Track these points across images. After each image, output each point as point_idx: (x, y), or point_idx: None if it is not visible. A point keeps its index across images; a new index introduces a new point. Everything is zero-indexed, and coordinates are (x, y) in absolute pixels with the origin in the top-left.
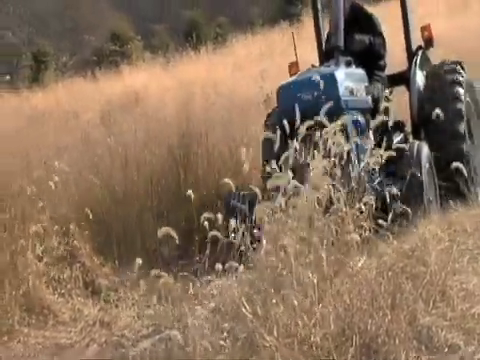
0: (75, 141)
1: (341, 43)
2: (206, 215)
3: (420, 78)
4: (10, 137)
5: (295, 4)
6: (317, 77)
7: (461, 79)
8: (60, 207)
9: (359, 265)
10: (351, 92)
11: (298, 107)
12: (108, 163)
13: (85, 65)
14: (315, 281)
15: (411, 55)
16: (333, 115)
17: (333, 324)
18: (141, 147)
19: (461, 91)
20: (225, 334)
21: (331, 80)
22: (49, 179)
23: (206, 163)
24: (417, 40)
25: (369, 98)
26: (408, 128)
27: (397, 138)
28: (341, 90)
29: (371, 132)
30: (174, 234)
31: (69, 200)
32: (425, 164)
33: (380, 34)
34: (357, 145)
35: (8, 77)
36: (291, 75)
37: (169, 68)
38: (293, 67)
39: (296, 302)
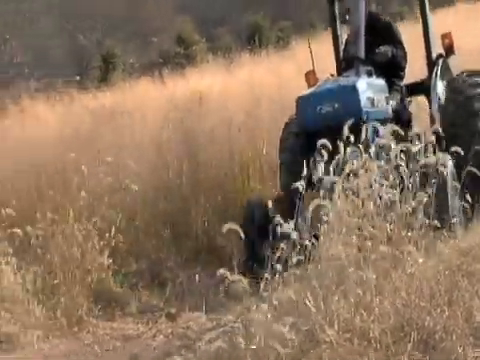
0: (143, 140)
1: (362, 53)
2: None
3: (441, 88)
4: (83, 135)
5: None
6: (338, 88)
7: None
8: (128, 203)
9: (420, 262)
10: (372, 103)
11: (318, 120)
12: (176, 162)
13: (151, 67)
14: (374, 277)
15: (431, 64)
16: (354, 127)
17: (392, 319)
18: (207, 148)
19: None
20: (287, 328)
21: (352, 91)
22: (118, 177)
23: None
24: (437, 48)
25: (389, 108)
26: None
27: (416, 148)
28: (362, 101)
29: (392, 144)
30: (238, 229)
31: (137, 197)
32: (449, 179)
33: (401, 44)
34: (378, 156)
35: (78, 77)
36: (309, 84)
37: (232, 70)
38: (310, 76)
39: (356, 298)
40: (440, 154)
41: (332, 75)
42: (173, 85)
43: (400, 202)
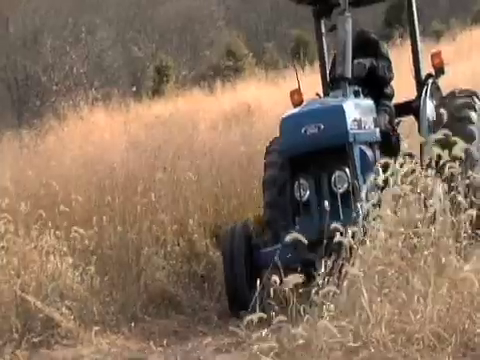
0: (193, 147)
1: (349, 73)
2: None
3: (430, 109)
4: (139, 143)
5: (395, 27)
6: (324, 109)
7: (474, 115)
8: (180, 206)
9: (462, 268)
10: (359, 125)
11: (303, 141)
12: (227, 167)
13: (202, 78)
14: (420, 282)
15: (420, 83)
16: (340, 149)
17: (434, 323)
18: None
19: (475, 130)
20: (335, 329)
21: (339, 112)
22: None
23: None
24: (427, 67)
25: (377, 130)
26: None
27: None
28: (349, 123)
29: (379, 166)
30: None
31: (189, 201)
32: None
33: (384, 56)
34: (365, 181)
35: (134, 88)
36: (293, 104)
37: (278, 82)
38: (295, 95)
39: (401, 301)
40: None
41: (318, 95)
42: (223, 96)
43: (447, 213)
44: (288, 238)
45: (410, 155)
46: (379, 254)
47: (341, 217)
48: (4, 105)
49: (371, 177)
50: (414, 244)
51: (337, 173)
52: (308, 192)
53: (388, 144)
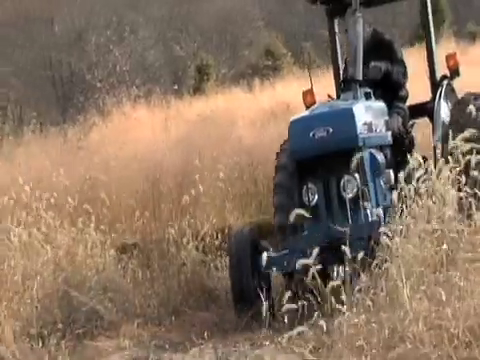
0: (232, 144)
1: (359, 74)
2: None
3: (445, 111)
4: (180, 139)
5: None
6: (333, 112)
7: None
8: (218, 202)
9: None
10: (369, 128)
11: (311, 145)
12: (265, 164)
13: (241, 77)
14: (457, 278)
15: (435, 85)
16: (349, 153)
17: (471, 318)
18: None
19: None
20: (373, 324)
21: (348, 116)
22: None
23: None
24: (442, 69)
25: (389, 133)
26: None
27: (418, 174)
28: (359, 126)
29: (391, 171)
30: None
31: (228, 197)
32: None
33: (400, 61)
34: (375, 185)
35: (176, 86)
36: (306, 104)
37: (315, 82)
38: (308, 95)
39: (439, 297)
40: None
41: (330, 96)
42: (261, 94)
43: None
44: (295, 244)
45: (424, 157)
46: (417, 252)
47: (350, 222)
48: (49, 102)
49: (381, 181)
50: (450, 241)
51: (346, 177)
52: (316, 196)
53: (401, 147)
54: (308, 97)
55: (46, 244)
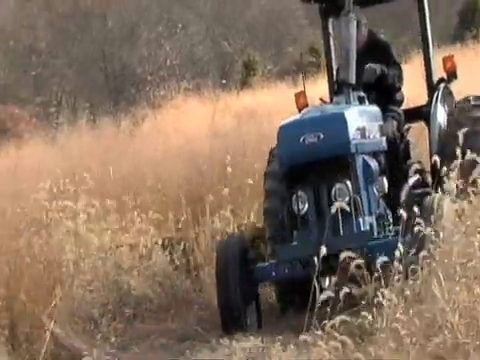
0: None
1: (352, 78)
2: None
3: (442, 114)
4: (227, 131)
5: (470, 30)
6: (324, 117)
7: None
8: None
9: None
10: (362, 133)
11: (301, 152)
12: None
13: (286, 73)
14: None
15: (432, 88)
16: (341, 160)
17: None
18: None
19: None
20: (413, 315)
21: (340, 121)
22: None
23: None
24: (438, 72)
25: (383, 138)
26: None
27: (413, 180)
28: (351, 132)
29: (385, 178)
30: None
31: None
32: (446, 223)
33: (396, 64)
34: (367, 192)
35: (224, 81)
36: (298, 106)
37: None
38: (300, 98)
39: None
40: (436, 194)
41: (322, 99)
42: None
43: None
44: (284, 254)
45: (419, 163)
46: (458, 247)
47: (341, 232)
48: (102, 94)
49: (374, 189)
50: None
51: (337, 186)
52: (306, 205)
53: (395, 152)
54: (301, 99)
55: (96, 231)
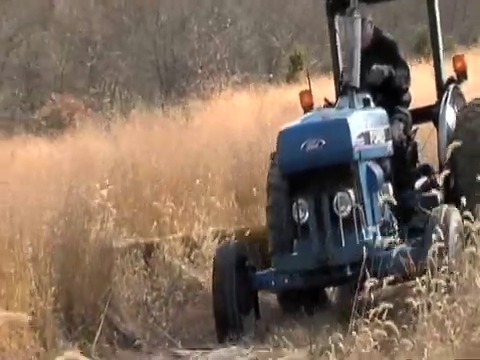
0: None
1: (356, 80)
2: None
3: (451, 116)
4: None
5: None
6: (325, 122)
7: None
8: None
9: None
10: (366, 139)
11: (302, 159)
12: None
13: (330, 68)
14: None
15: (441, 88)
16: (344, 168)
17: None
18: None
19: None
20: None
21: (342, 127)
22: None
23: None
24: (448, 72)
25: (389, 143)
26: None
27: (420, 183)
28: (354, 139)
29: (390, 184)
30: None
31: None
32: (454, 235)
33: (402, 64)
34: (371, 201)
35: (271, 75)
36: (303, 106)
37: None
38: (305, 97)
39: None
40: (445, 206)
41: (326, 100)
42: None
43: None
44: (283, 265)
45: (427, 167)
46: None
47: (343, 243)
48: (153, 85)
49: (379, 196)
50: None
51: (339, 194)
52: (307, 214)
53: (402, 155)
54: (306, 98)
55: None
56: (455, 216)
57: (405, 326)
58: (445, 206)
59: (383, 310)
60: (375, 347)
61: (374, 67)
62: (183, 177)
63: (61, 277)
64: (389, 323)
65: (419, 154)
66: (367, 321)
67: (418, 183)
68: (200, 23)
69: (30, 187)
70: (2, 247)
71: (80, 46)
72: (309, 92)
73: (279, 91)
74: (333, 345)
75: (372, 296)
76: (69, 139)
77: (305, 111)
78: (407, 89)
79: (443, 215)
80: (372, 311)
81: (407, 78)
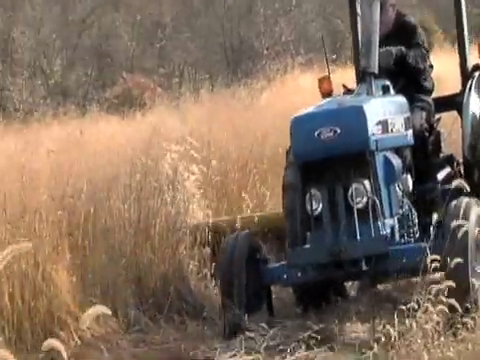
0: None
1: (374, 66)
2: None
3: (476, 104)
4: None
5: None
6: (341, 109)
7: None
8: None
9: None
10: (384, 128)
11: (316, 147)
12: None
13: None
14: None
15: (466, 76)
16: (360, 157)
17: None
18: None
19: None
20: None
21: (358, 114)
22: None
23: None
24: (474, 58)
25: (409, 132)
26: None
27: (443, 174)
28: (371, 126)
29: (409, 175)
30: None
31: None
32: (473, 229)
33: (417, 44)
34: (389, 192)
35: (334, 56)
36: (322, 92)
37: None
38: (324, 83)
39: None
40: (465, 198)
41: (345, 86)
42: None
43: None
44: (296, 258)
45: (451, 157)
46: None
47: (358, 237)
48: (221, 67)
49: (397, 188)
50: None
51: (354, 185)
52: (321, 205)
53: (424, 145)
54: (325, 85)
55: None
56: (475, 209)
57: (468, 305)
58: (465, 198)
59: (446, 288)
60: (437, 323)
61: (383, 49)
62: (251, 157)
63: (131, 250)
64: (451, 301)
65: (442, 144)
66: (430, 297)
67: (441, 174)
68: (266, 6)
69: (104, 162)
70: (78, 220)
71: (150, 28)
72: (328, 78)
73: (343, 72)
74: (396, 319)
75: (436, 275)
76: (140, 117)
77: (324, 98)
78: (425, 69)
79: (463, 208)
80: (434, 288)
81: (422, 58)
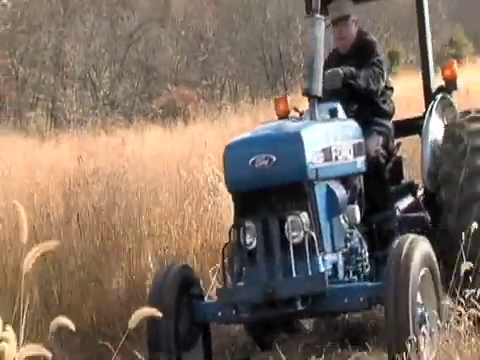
0: None
1: (317, 89)
2: None
3: (438, 128)
4: None
5: None
6: (277, 135)
7: None
8: None
9: None
10: (328, 155)
11: (250, 176)
12: None
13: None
14: None
15: (429, 97)
16: (297, 187)
17: None
18: None
19: None
20: None
21: (295, 141)
22: None
23: None
24: (438, 80)
25: (360, 159)
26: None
27: (404, 203)
28: (309, 154)
29: (356, 206)
30: None
31: None
32: (418, 271)
33: (374, 64)
34: (331, 225)
35: None
36: (278, 114)
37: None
38: (281, 104)
39: None
40: (410, 236)
41: (296, 109)
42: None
43: None
44: (227, 296)
45: (412, 184)
46: None
47: (293, 274)
48: (261, 79)
49: (341, 220)
50: None
51: (290, 218)
52: (255, 239)
53: (380, 173)
54: (281, 105)
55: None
56: (422, 247)
57: None
58: (410, 236)
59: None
60: (469, 326)
61: (328, 71)
62: None
63: (175, 253)
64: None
65: (404, 170)
66: (462, 301)
67: (403, 203)
68: (304, 21)
69: (149, 171)
70: (123, 225)
71: (193, 42)
72: (285, 99)
73: None
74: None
75: (470, 278)
76: (183, 127)
77: (280, 119)
78: (378, 90)
79: (406, 247)
80: (468, 292)
81: (376, 78)
